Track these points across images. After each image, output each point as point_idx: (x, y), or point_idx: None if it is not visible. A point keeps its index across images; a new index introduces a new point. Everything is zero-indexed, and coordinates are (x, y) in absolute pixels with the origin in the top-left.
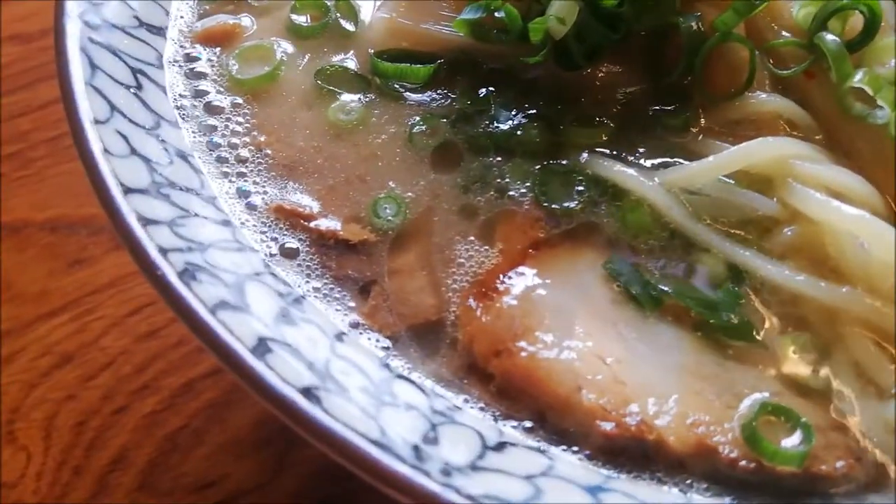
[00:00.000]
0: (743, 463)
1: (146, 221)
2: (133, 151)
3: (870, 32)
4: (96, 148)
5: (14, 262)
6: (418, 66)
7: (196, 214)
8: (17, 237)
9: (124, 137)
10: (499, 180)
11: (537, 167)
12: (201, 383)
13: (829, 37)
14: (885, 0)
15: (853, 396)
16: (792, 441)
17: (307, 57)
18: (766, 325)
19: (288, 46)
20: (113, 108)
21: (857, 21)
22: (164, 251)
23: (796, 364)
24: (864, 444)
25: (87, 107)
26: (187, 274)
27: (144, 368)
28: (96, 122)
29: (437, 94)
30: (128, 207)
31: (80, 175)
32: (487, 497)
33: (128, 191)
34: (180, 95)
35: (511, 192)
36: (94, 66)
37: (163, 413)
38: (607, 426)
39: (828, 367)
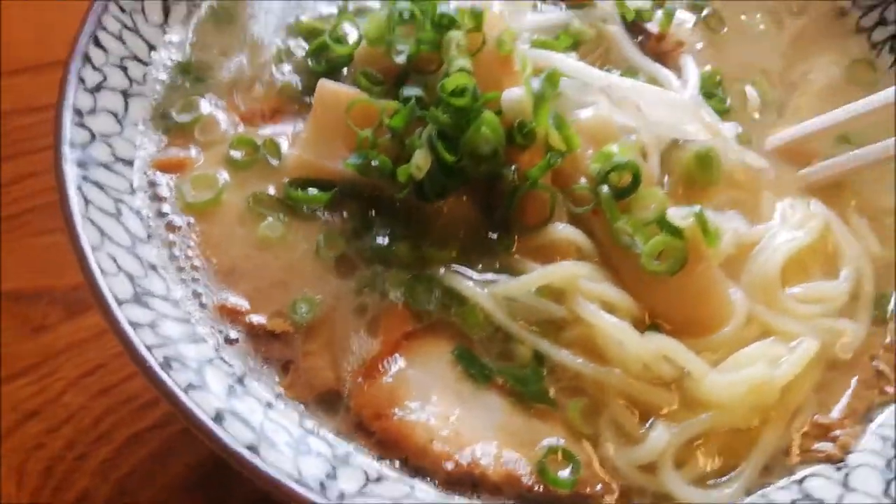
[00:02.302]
0: (536, 487)
1: (135, 325)
2: (119, 269)
3: (635, 184)
4: (96, 270)
5: None
6: (319, 193)
7: (166, 316)
8: None
9: (113, 258)
10: (382, 286)
11: (409, 276)
12: (148, 434)
13: (604, 188)
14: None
15: (611, 442)
16: (566, 472)
17: (242, 184)
18: (558, 392)
19: (226, 175)
20: (103, 234)
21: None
22: (149, 348)
23: (577, 419)
24: (615, 475)
25: (86, 237)
26: (166, 364)
27: (100, 421)
28: (93, 248)
29: (336, 215)
30: (122, 315)
31: (38, 250)
32: None
33: (120, 302)
34: (147, 217)
35: (390, 296)
36: (87, 202)
37: (116, 460)
38: (449, 465)
39: (597, 422)
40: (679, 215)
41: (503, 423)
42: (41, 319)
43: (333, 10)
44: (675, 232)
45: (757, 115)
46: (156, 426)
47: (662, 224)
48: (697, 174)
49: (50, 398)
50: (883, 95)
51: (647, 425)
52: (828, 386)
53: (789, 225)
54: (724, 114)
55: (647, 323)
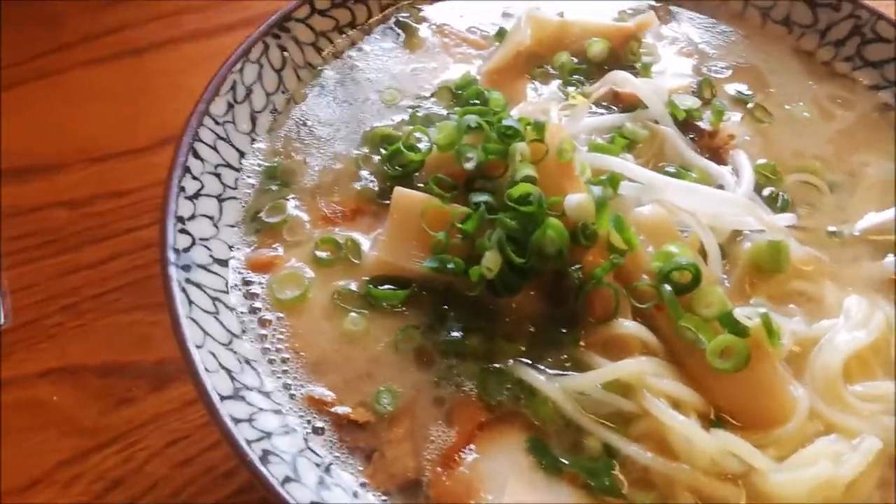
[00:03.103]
0: None
1: (236, 421)
2: (220, 366)
3: (696, 282)
4: (201, 368)
5: (73, 401)
6: (398, 290)
7: (261, 409)
8: (74, 379)
9: (214, 355)
10: (457, 378)
11: (481, 369)
12: (227, 502)
13: (667, 287)
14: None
15: None
16: None
17: (325, 281)
18: (627, 485)
19: (311, 272)
20: (205, 333)
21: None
22: (248, 442)
23: None
24: None
25: (190, 336)
26: (265, 459)
27: (181, 492)
28: (197, 346)
29: (412, 310)
30: (225, 411)
31: (124, 327)
32: None
33: (222, 398)
34: (241, 313)
35: (465, 387)
36: (190, 303)
37: None
38: None
39: None
40: (744, 314)
41: None
42: (127, 393)
43: (404, 115)
44: (741, 331)
45: (821, 203)
46: (233, 495)
47: (726, 322)
48: (766, 265)
49: (134, 468)
50: None
51: None
52: (890, 483)
53: (852, 323)
54: (781, 205)
55: (713, 417)
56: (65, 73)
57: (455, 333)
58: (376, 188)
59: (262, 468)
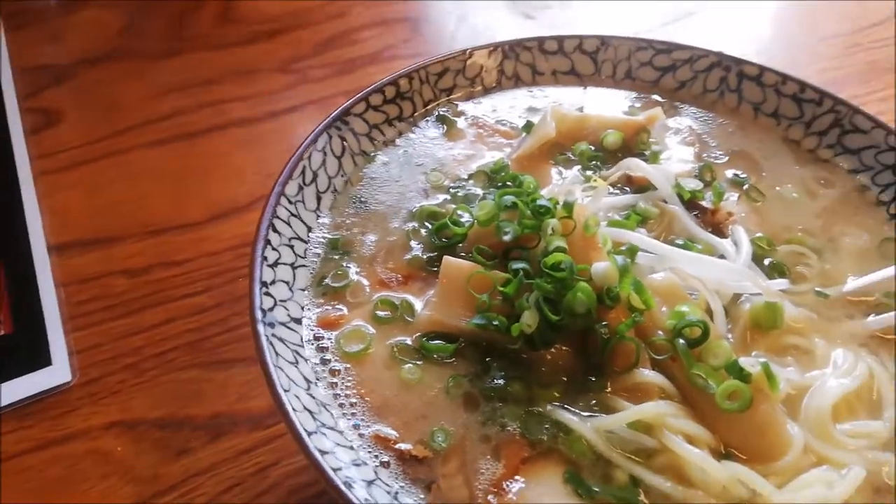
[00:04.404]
0: None
1: (322, 452)
2: (304, 407)
3: (704, 337)
4: (289, 408)
5: (135, 452)
6: (447, 344)
7: (338, 444)
8: (134, 432)
9: (297, 398)
10: (501, 419)
11: (523, 411)
12: None
13: (681, 340)
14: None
15: None
16: None
17: (384, 336)
18: None
19: (372, 329)
20: (290, 379)
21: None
22: (334, 470)
23: None
24: None
25: (278, 380)
26: (348, 485)
27: None
28: (285, 390)
29: (460, 361)
30: (312, 444)
31: (181, 383)
32: None
33: (309, 434)
34: (315, 364)
35: (509, 427)
36: (277, 354)
37: None
38: None
39: None
40: (748, 363)
41: None
42: (185, 444)
43: (446, 195)
44: (744, 377)
45: (809, 269)
46: None
47: (732, 370)
48: (764, 323)
49: None
50: None
51: None
52: None
53: (839, 372)
54: (777, 272)
55: (723, 451)
56: (125, 154)
57: (498, 381)
58: (425, 257)
59: (348, 493)
